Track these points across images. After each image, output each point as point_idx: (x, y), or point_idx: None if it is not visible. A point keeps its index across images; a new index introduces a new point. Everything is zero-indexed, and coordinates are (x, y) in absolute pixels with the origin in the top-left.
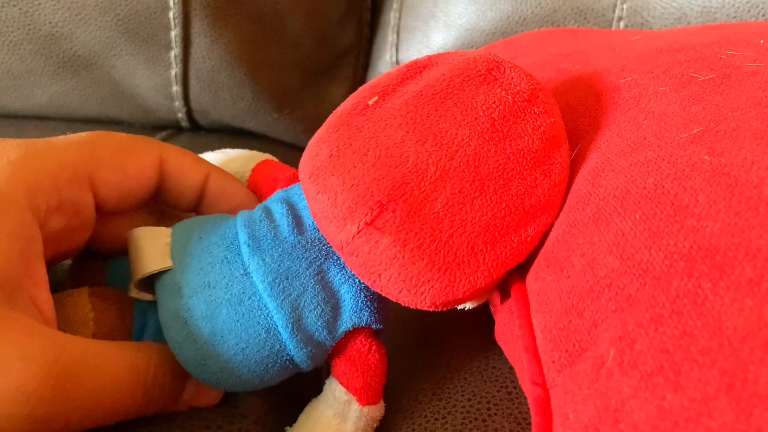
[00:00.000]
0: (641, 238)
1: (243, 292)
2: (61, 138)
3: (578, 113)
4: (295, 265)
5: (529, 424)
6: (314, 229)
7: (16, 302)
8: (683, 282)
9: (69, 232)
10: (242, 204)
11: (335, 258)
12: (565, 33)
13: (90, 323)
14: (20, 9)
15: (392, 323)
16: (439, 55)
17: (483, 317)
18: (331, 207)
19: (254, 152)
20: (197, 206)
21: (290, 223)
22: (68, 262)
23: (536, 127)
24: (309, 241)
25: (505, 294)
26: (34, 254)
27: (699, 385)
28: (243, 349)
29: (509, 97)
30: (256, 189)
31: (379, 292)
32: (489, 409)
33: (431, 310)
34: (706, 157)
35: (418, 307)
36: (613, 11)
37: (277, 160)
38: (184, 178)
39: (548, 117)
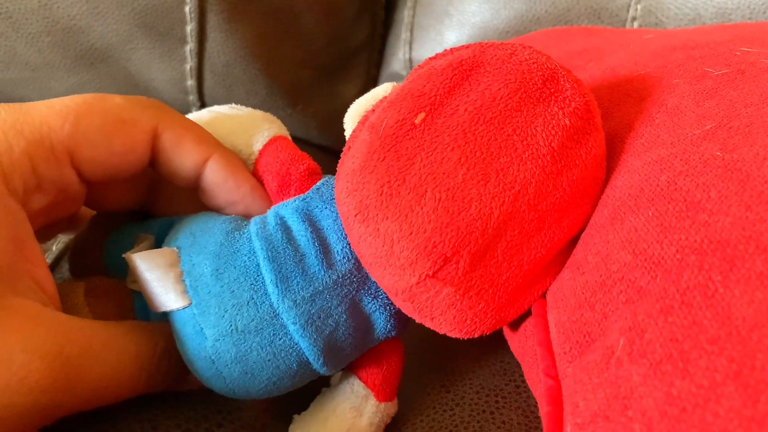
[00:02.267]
0: (653, 233)
1: (274, 335)
2: (44, 105)
3: None
4: (327, 304)
5: (537, 417)
6: (344, 259)
7: (18, 287)
8: (694, 274)
9: (56, 206)
10: (244, 200)
11: (367, 287)
12: (578, 31)
13: None
14: (39, 1)
15: None
16: (483, 50)
17: None
18: (386, 255)
19: (257, 115)
20: (194, 188)
21: (318, 253)
22: (66, 243)
23: (589, 152)
24: (340, 275)
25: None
26: (26, 235)
27: (707, 373)
28: (274, 382)
29: (566, 120)
30: (264, 180)
31: (426, 326)
32: (497, 401)
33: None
34: (718, 153)
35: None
36: (627, 11)
37: (286, 133)
38: (180, 157)
39: (598, 135)
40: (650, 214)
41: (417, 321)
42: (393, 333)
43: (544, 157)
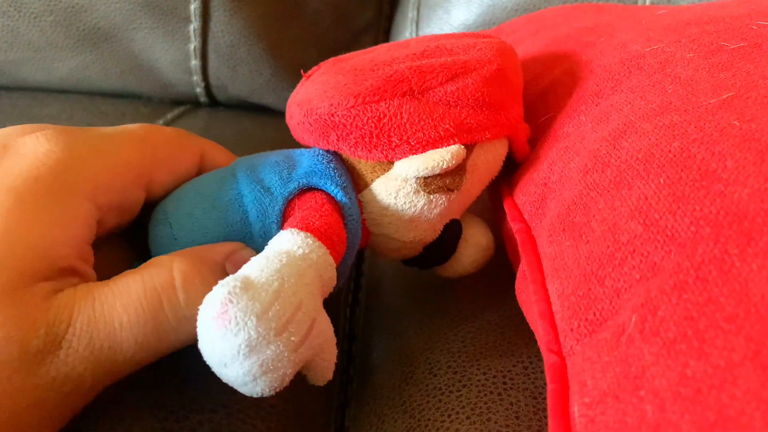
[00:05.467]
0: (666, 203)
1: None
2: (117, 133)
3: (600, 78)
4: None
5: (545, 398)
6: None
7: (62, 281)
8: (709, 248)
9: (114, 226)
10: None
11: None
12: (589, 8)
13: None
14: None
15: (409, 298)
16: None
17: (500, 292)
18: None
19: None
20: None
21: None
22: None
23: None
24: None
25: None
26: (87, 240)
27: (724, 352)
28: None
29: None
30: None
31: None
32: (505, 383)
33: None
34: (735, 122)
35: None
36: None
37: None
38: (212, 167)
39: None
40: (661, 181)
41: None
42: (318, 176)
43: None
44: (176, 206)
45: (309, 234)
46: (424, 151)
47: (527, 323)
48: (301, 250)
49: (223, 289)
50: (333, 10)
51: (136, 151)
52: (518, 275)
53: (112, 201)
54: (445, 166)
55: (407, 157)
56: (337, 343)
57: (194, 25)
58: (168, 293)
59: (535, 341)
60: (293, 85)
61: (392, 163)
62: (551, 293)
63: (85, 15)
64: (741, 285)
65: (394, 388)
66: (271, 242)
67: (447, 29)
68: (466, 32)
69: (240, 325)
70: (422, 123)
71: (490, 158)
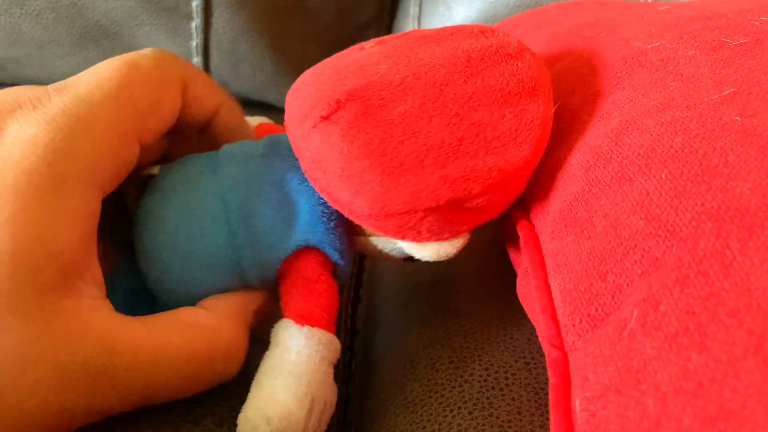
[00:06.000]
0: (667, 198)
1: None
2: (90, 91)
3: (601, 75)
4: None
5: (547, 394)
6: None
7: (78, 285)
8: (710, 242)
9: (117, 183)
10: None
11: (298, 169)
12: (591, 3)
13: None
14: None
15: (410, 293)
16: None
17: (501, 287)
18: (298, 109)
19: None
20: (201, 132)
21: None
22: None
23: (513, 74)
24: (276, 156)
25: (521, 254)
26: (94, 228)
27: (725, 347)
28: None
29: (494, 46)
30: None
31: (323, 194)
32: (507, 378)
33: (371, 223)
34: (737, 117)
35: (359, 214)
36: None
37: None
38: (197, 106)
39: (530, 71)
40: (663, 176)
41: (313, 181)
42: (317, 235)
43: (458, 58)
44: (158, 220)
45: (319, 329)
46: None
47: (529, 318)
48: (319, 355)
49: None
50: (334, 6)
51: (114, 109)
52: (520, 273)
53: (107, 170)
54: (452, 254)
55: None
56: (339, 339)
57: (196, 23)
58: (211, 365)
59: (537, 337)
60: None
61: None
62: (553, 289)
63: (87, 12)
64: (742, 279)
65: (396, 383)
66: (287, 343)
67: (448, 25)
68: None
69: None
70: (443, 227)
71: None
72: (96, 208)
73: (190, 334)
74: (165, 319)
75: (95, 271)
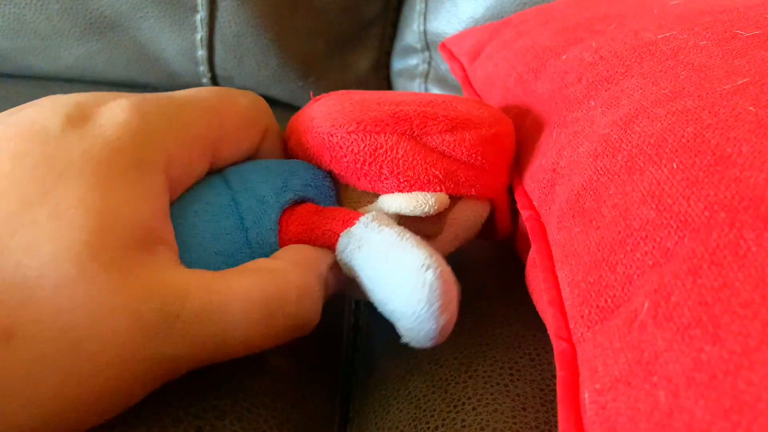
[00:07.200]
0: (679, 188)
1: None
2: (189, 101)
3: (611, 63)
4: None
5: (552, 390)
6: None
7: (157, 248)
8: (724, 233)
9: (179, 190)
10: None
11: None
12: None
13: None
14: None
15: None
16: None
17: (506, 283)
18: None
19: None
20: None
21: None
22: None
23: None
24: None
25: (528, 243)
26: (167, 209)
27: (739, 338)
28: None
29: None
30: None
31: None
32: (512, 374)
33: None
34: (750, 108)
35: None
36: None
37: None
38: (263, 152)
39: None
40: (674, 166)
41: None
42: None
43: None
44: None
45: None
46: (410, 190)
47: (534, 314)
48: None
49: None
50: (340, 1)
51: (205, 123)
52: (528, 263)
53: (181, 174)
54: (427, 210)
55: (393, 192)
56: (341, 335)
57: (201, 15)
58: (283, 304)
59: (542, 332)
60: (299, 77)
61: (377, 196)
62: (561, 280)
63: (91, 3)
64: (757, 270)
65: (399, 378)
66: (371, 231)
67: (455, 22)
68: (477, 99)
69: None
70: (414, 163)
71: (470, 216)
72: (167, 194)
73: (259, 276)
74: (234, 270)
75: (172, 243)
